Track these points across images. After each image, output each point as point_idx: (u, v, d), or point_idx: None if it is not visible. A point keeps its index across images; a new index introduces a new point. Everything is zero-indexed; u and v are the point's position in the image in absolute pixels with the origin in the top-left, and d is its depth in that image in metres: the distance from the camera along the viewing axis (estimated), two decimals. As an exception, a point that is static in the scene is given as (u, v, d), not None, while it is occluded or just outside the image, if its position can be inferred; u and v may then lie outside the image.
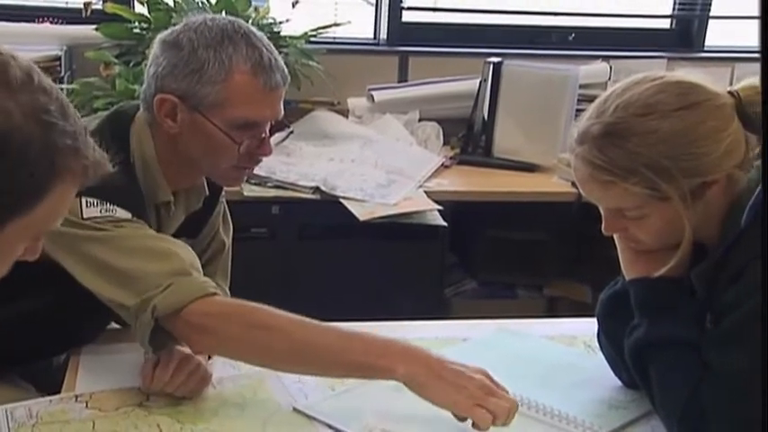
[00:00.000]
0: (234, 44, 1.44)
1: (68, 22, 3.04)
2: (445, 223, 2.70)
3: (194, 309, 1.37)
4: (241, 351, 1.41)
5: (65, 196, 0.96)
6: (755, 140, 1.29)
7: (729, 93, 1.30)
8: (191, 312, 1.37)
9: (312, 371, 1.42)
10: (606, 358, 1.54)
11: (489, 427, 1.30)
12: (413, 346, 1.36)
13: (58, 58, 2.85)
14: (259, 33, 1.49)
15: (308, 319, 1.39)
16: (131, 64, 2.78)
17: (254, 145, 1.50)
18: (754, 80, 1.30)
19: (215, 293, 1.41)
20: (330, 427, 1.37)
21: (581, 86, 3.06)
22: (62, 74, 2.85)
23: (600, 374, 1.54)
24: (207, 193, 1.64)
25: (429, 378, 1.32)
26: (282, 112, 1.52)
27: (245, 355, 1.43)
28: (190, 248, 1.49)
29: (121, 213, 1.42)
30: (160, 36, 1.50)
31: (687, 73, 1.31)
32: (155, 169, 1.51)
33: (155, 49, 1.49)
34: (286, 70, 1.50)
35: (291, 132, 2.79)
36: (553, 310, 3.24)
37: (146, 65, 1.53)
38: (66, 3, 3.22)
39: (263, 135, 1.50)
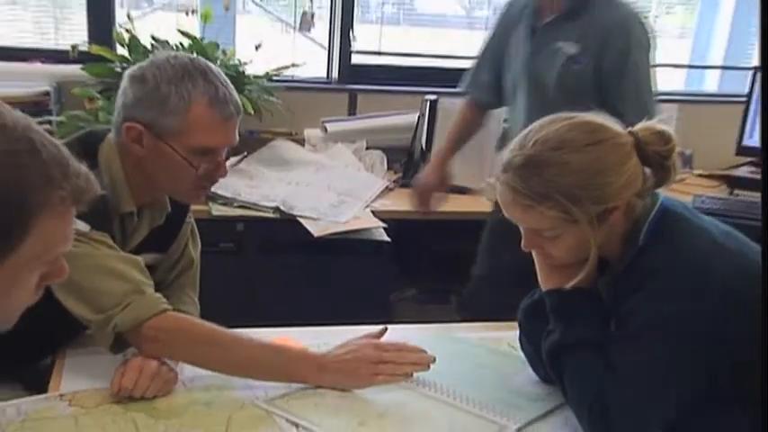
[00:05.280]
0: (193, 80, 1.43)
1: (58, 62, 2.98)
2: (389, 239, 2.70)
3: (150, 324, 1.40)
4: (187, 361, 1.46)
5: (52, 226, 0.86)
6: (650, 174, 1.33)
7: (629, 133, 1.32)
8: (146, 327, 1.40)
9: (248, 377, 1.46)
10: (526, 357, 1.56)
11: (400, 380, 1.44)
12: (313, 355, 1.46)
13: (48, 94, 2.80)
14: (216, 69, 1.47)
15: (245, 336, 1.44)
16: (112, 99, 2.73)
17: (212, 168, 1.49)
18: (650, 123, 1.34)
19: (166, 309, 1.43)
20: (288, 420, 1.35)
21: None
22: (51, 107, 2.80)
23: (521, 371, 1.55)
24: (169, 209, 1.61)
25: (329, 376, 1.43)
26: (237, 139, 1.51)
27: (192, 364, 1.46)
28: (142, 264, 1.47)
29: (80, 225, 1.37)
30: (128, 71, 1.48)
31: (595, 114, 1.34)
32: (121, 184, 1.49)
33: (124, 82, 1.48)
34: (239, 102, 1.49)
35: (245, 156, 2.77)
36: (482, 313, 3.25)
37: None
38: (56, 45, 3.17)
39: (219, 159, 1.50)
